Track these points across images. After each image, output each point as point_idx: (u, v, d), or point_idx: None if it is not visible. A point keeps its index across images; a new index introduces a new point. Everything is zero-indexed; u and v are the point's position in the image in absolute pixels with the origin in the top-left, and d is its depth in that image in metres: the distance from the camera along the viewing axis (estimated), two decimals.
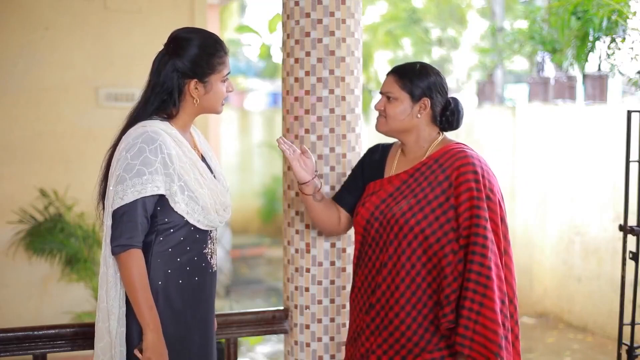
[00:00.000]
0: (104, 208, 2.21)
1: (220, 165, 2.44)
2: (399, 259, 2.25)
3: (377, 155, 2.49)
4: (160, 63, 2.20)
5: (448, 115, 2.35)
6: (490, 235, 2.18)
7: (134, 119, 2.21)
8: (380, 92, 2.38)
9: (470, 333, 2.13)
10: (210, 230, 2.28)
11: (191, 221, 2.18)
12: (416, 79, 2.31)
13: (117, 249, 2.12)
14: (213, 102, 2.25)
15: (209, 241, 2.28)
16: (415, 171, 2.31)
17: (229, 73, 2.26)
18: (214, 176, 2.31)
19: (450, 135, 2.44)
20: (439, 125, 2.37)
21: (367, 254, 2.36)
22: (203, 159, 2.32)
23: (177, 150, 2.16)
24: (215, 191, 2.24)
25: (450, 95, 2.38)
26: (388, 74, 2.38)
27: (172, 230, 2.17)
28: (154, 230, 2.16)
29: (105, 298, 2.17)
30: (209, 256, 2.28)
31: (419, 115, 2.32)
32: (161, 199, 2.14)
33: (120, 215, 2.11)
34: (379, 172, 2.44)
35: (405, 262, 2.24)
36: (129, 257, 2.11)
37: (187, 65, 2.18)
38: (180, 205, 2.15)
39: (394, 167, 2.41)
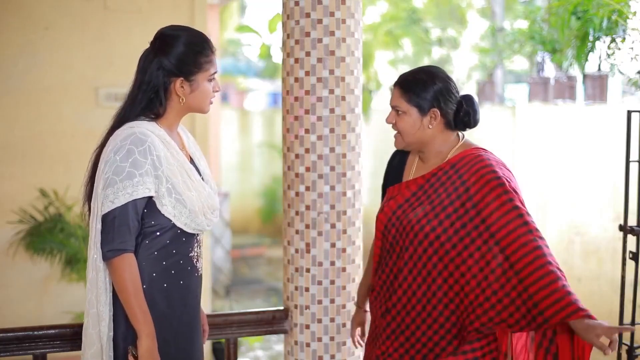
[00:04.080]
0: (89, 209, 2.16)
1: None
2: (415, 266, 2.23)
3: (395, 161, 2.46)
4: (146, 61, 2.15)
5: (462, 116, 2.28)
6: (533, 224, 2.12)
7: (121, 119, 2.16)
8: (390, 105, 2.35)
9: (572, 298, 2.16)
10: (197, 234, 2.23)
11: (178, 224, 2.13)
12: (422, 91, 2.25)
13: (110, 253, 2.06)
14: (199, 101, 2.19)
15: (195, 244, 2.23)
16: (431, 176, 2.28)
17: (215, 72, 2.21)
18: (202, 178, 2.26)
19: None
20: (456, 128, 2.31)
21: (385, 259, 2.35)
22: (191, 160, 2.27)
23: (165, 152, 2.11)
24: (203, 194, 2.19)
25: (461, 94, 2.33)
26: (394, 86, 2.33)
27: (158, 234, 2.12)
28: (140, 233, 2.11)
29: (95, 303, 2.12)
30: (195, 259, 2.23)
31: (430, 127, 2.26)
32: (148, 202, 2.09)
33: (112, 219, 2.05)
34: (399, 177, 2.42)
35: (422, 269, 2.22)
36: (122, 262, 2.06)
37: (173, 63, 2.12)
38: (167, 208, 2.10)
39: (412, 171, 2.38)
